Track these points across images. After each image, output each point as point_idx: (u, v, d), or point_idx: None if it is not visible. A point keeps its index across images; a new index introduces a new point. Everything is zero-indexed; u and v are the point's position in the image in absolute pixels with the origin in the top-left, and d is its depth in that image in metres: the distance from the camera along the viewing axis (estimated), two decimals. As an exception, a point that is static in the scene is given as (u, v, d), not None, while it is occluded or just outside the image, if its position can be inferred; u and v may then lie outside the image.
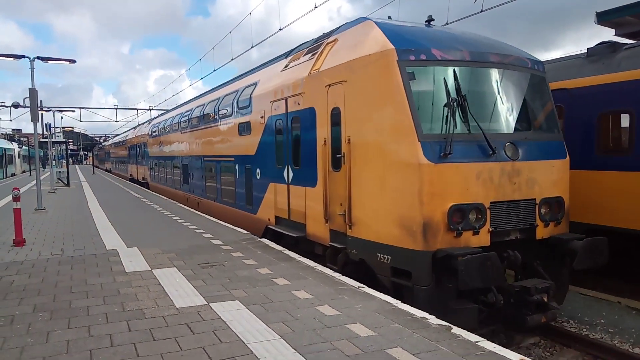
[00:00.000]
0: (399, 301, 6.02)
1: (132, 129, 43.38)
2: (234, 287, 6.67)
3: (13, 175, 49.64)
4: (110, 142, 65.41)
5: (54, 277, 7.42)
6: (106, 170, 60.93)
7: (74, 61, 18.78)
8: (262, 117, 10.94)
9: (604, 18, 9.93)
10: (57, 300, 6.24)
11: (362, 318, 5.38)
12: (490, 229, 6.67)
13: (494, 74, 7.34)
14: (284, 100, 9.80)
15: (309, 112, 8.78)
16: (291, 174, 9.58)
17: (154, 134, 26.06)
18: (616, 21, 10.16)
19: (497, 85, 7.33)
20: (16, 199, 10.38)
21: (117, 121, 53.10)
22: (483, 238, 6.63)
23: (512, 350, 4.67)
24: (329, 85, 8.05)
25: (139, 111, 52.85)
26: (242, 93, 12.68)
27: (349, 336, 4.87)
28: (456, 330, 5.01)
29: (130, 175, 36.45)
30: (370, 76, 7.18)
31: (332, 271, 7.56)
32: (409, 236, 6.51)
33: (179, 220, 13.39)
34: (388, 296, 6.23)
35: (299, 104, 9.16)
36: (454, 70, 6.94)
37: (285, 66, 10.47)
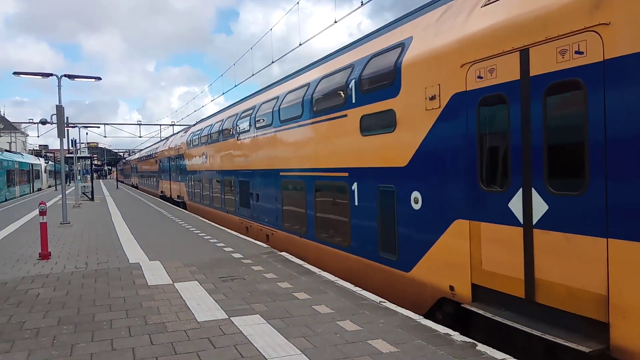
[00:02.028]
0: (422, 316, 5.92)
1: (163, 139, 40.38)
2: (254, 301, 6.66)
3: (39, 189, 50.91)
4: (137, 155, 62.10)
5: (78, 290, 7.53)
6: (132, 186, 58.60)
7: (100, 78, 19.31)
8: (431, 98, 6.39)
9: None
10: (81, 313, 6.32)
11: (384, 334, 5.29)
12: None
13: None
14: (514, 55, 5.20)
15: None
16: (542, 207, 4.90)
17: (195, 143, 21.48)
18: None
19: None
20: (42, 213, 10.61)
21: (140, 136, 54.07)
22: None
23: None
24: None
25: (162, 127, 53.74)
26: (368, 64, 8.05)
27: (371, 352, 4.79)
28: (481, 347, 4.88)
29: (162, 192, 32.75)
30: None
31: (353, 285, 7.47)
32: None
33: (200, 234, 13.48)
34: (410, 311, 6.13)
35: (583, 52, 4.51)
36: None
37: None
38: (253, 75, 21.21)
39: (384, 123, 7.41)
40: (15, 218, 19.20)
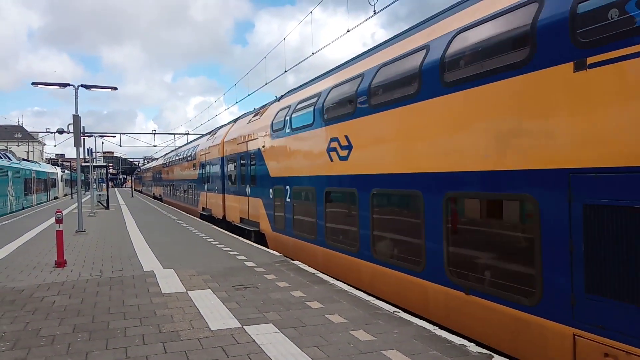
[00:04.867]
0: (437, 327, 5.85)
1: (207, 134, 26.29)
2: (267, 310, 6.64)
3: (56, 198, 51.60)
4: (161, 160, 46.89)
5: (93, 297, 7.58)
6: (155, 198, 47.25)
7: (116, 88, 19.55)
8: None
9: None
10: (95, 320, 6.35)
11: (399, 344, 5.24)
12: None
13: None
14: None
15: None
16: None
17: (296, 125, 11.16)
18: None
19: None
20: (59, 221, 10.73)
21: (155, 145, 54.73)
22: None
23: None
24: None
25: (176, 136, 54.20)
26: None
27: (385, 362, 4.74)
28: (497, 358, 4.81)
29: (204, 209, 22.62)
30: None
31: (367, 295, 7.43)
32: None
33: (213, 242, 13.53)
34: (425, 322, 6.06)
35: None
36: None
37: None
38: (266, 84, 21.39)
39: None
40: (32, 226, 19.47)
